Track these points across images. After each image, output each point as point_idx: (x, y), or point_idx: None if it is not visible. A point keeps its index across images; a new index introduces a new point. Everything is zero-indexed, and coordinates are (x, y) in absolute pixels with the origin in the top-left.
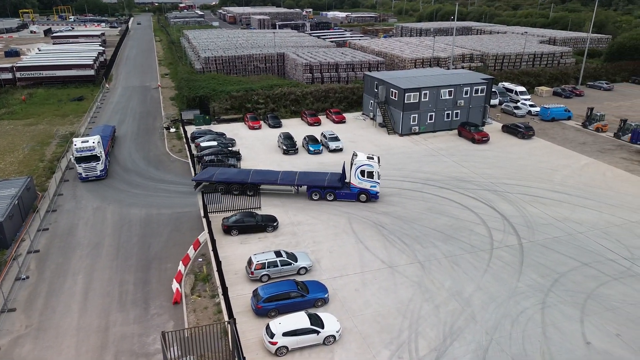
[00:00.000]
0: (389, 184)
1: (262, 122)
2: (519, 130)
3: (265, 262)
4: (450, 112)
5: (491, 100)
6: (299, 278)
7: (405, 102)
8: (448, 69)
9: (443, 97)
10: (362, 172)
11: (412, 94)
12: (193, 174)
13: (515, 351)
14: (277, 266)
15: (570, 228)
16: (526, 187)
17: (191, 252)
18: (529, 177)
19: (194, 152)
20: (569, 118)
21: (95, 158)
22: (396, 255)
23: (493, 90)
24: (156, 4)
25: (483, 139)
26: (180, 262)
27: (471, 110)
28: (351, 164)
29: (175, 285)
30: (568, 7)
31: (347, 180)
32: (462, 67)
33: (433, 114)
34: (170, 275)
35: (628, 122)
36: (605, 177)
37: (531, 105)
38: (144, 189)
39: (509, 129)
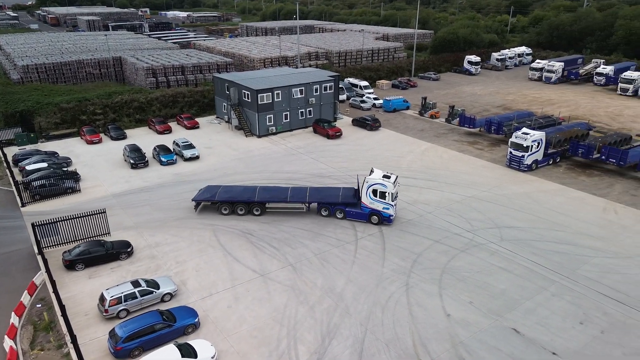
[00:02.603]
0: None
1: (102, 134)
2: (367, 123)
3: (121, 296)
4: (303, 110)
5: (339, 96)
6: (164, 306)
7: (259, 103)
8: (296, 67)
9: (295, 96)
10: (374, 192)
11: (264, 94)
12: (20, 204)
13: (388, 337)
14: (136, 298)
15: (420, 210)
16: None
17: (26, 298)
18: (380, 166)
19: (19, 177)
20: (407, 108)
21: None
22: (267, 262)
23: (340, 86)
24: None
25: (336, 134)
26: (13, 313)
27: (323, 107)
28: (364, 181)
29: (7, 342)
30: (395, 5)
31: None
32: (310, 65)
33: (288, 113)
34: (0, 332)
35: (455, 108)
36: (442, 159)
37: (375, 99)
38: None
39: (358, 122)
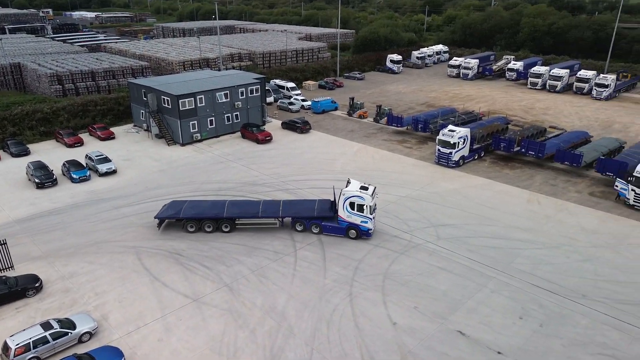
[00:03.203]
0: None
1: (0, 151)
2: (297, 126)
3: (29, 343)
4: (229, 114)
5: (267, 99)
6: (83, 348)
7: (181, 109)
8: (219, 70)
9: (220, 101)
10: (352, 205)
11: (186, 100)
12: None
13: (336, 354)
14: (48, 342)
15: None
16: (314, 180)
17: None
18: (315, 170)
19: None
20: (336, 109)
21: None
22: (200, 284)
23: (267, 88)
24: None
25: (266, 139)
26: None
27: (250, 111)
28: (340, 193)
29: None
30: (315, 5)
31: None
32: (233, 67)
33: (213, 118)
34: None
35: (382, 107)
36: (374, 160)
37: (303, 100)
38: None
39: (288, 125)
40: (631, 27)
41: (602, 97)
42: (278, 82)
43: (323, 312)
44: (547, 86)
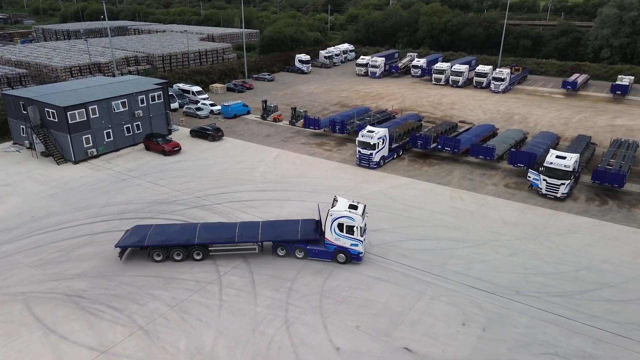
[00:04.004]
0: (75, 231)
1: None
2: (208, 133)
3: None
4: (129, 125)
5: (171, 105)
6: None
7: (70, 122)
8: (113, 75)
9: (117, 110)
10: (340, 226)
11: (76, 111)
12: None
13: None
14: None
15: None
16: (233, 193)
17: None
18: (232, 181)
19: None
20: (248, 112)
21: None
22: (108, 331)
23: (170, 93)
24: None
25: (174, 149)
26: None
27: (153, 120)
28: (327, 214)
29: None
30: (215, 4)
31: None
32: (129, 72)
33: (110, 130)
34: None
35: (297, 109)
36: (295, 165)
37: (212, 104)
38: None
39: (197, 133)
40: (516, 24)
41: (499, 90)
42: (182, 86)
43: (258, 347)
44: (450, 81)
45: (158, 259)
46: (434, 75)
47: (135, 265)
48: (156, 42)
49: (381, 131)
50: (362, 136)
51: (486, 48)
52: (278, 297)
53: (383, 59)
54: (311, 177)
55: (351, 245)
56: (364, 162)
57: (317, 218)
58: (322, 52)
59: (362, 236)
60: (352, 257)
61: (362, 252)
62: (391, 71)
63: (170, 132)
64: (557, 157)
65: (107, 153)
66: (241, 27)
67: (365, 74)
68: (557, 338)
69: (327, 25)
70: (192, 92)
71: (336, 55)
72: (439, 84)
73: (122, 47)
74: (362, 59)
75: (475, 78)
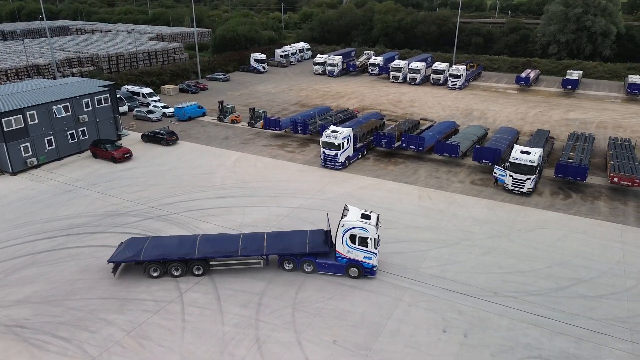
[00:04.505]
0: (14, 251)
1: None
2: (162, 137)
3: None
4: (74, 131)
5: (120, 108)
6: None
7: (5, 129)
8: (54, 78)
9: (59, 115)
10: (353, 238)
11: (12, 117)
12: None
13: None
14: None
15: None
16: (191, 201)
17: None
18: (190, 189)
19: None
20: (204, 114)
21: None
22: None
23: (118, 96)
24: None
25: (125, 156)
26: None
27: (100, 125)
28: (339, 225)
29: None
30: (163, 3)
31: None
32: (72, 74)
33: (52, 137)
34: None
35: (257, 110)
36: (257, 169)
37: (164, 107)
38: None
39: (150, 138)
40: (467, 22)
41: (456, 86)
42: (131, 88)
43: None
44: (408, 79)
45: (155, 274)
46: (391, 73)
47: (84, 286)
48: (101, 43)
49: (345, 131)
50: (326, 136)
51: (440, 45)
52: (247, 314)
53: (340, 57)
54: (274, 180)
55: (364, 258)
56: (329, 163)
57: (325, 228)
58: (278, 51)
59: (376, 248)
60: (366, 271)
61: (375, 266)
62: (349, 70)
63: (119, 137)
64: (522, 152)
65: (49, 162)
66: (192, 27)
67: (323, 73)
68: (540, 340)
69: (282, 24)
70: (143, 94)
71: (292, 54)
72: (397, 82)
73: (64, 47)
74: (320, 57)
75: (432, 75)
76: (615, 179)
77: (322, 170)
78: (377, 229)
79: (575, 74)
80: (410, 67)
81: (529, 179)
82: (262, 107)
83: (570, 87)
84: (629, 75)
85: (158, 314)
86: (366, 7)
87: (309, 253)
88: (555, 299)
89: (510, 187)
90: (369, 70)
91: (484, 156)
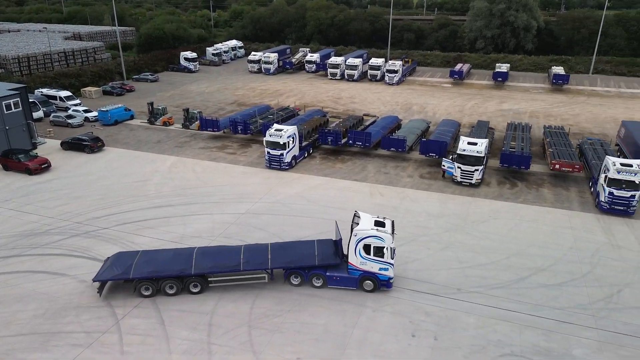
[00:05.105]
0: None
1: None
2: (85, 144)
3: None
4: None
5: (34, 114)
6: None
7: None
8: None
9: None
10: (367, 248)
11: None
12: None
13: None
14: None
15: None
16: (123, 213)
17: None
18: (121, 199)
19: None
20: (132, 117)
21: None
22: None
23: (31, 100)
24: None
25: (42, 167)
26: None
27: (10, 133)
28: (352, 234)
29: None
30: (80, 1)
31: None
32: None
33: None
34: None
35: (191, 111)
36: (196, 173)
37: (86, 111)
38: None
39: (71, 145)
40: (398, 19)
41: (393, 82)
42: (46, 91)
43: None
44: (345, 76)
45: (147, 293)
46: (329, 70)
47: (6, 313)
48: (9, 43)
49: (290, 129)
50: (270, 136)
51: (373, 42)
52: (197, 337)
53: (276, 54)
54: (217, 185)
55: (380, 269)
56: (275, 163)
57: (334, 238)
58: (210, 50)
59: (392, 258)
60: (381, 284)
61: (392, 278)
62: (285, 67)
63: (35, 146)
64: (469, 143)
65: None
66: (114, 25)
67: (259, 71)
68: (509, 335)
69: (211, 22)
70: (60, 97)
71: (225, 52)
72: (335, 79)
73: None
74: (254, 55)
75: (369, 71)
76: (557, 166)
77: (268, 172)
78: (393, 237)
79: (503, 67)
80: (347, 63)
81: (477, 169)
82: (197, 107)
83: (501, 80)
84: (552, 67)
85: (91, 348)
86: (298, 4)
87: (318, 265)
88: (517, 291)
89: (459, 179)
90: (306, 67)
91: (431, 149)
